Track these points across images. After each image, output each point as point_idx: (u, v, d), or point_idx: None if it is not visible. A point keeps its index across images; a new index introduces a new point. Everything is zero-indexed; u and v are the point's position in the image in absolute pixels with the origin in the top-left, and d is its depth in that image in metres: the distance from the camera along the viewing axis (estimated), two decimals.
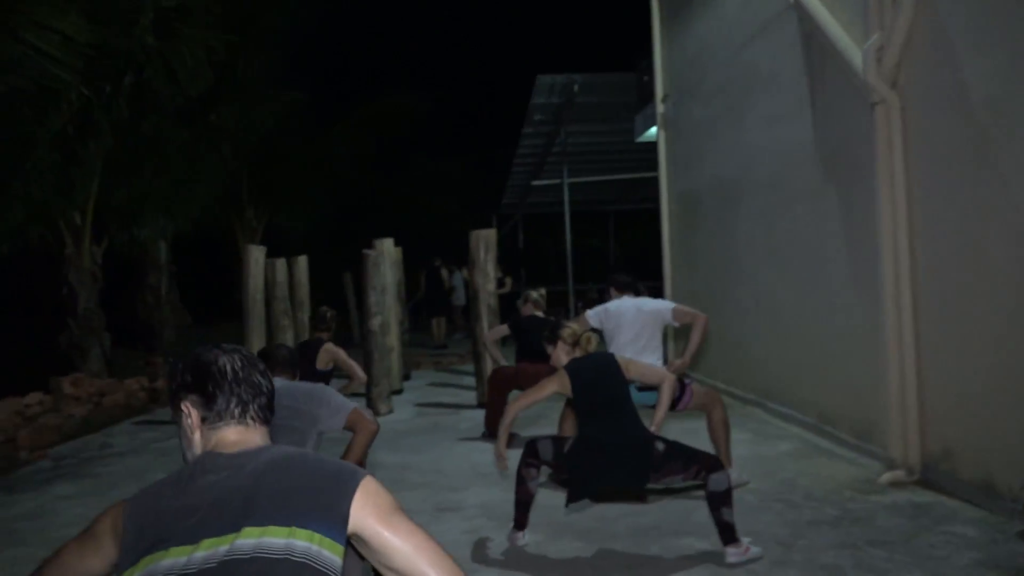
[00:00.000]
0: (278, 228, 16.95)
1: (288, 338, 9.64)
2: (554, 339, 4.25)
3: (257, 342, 8.99)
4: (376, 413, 8.19)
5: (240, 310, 9.38)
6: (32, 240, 10.07)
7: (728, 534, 3.75)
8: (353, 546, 1.55)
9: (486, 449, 6.12)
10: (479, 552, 4.09)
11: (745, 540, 3.79)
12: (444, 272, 14.96)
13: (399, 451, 6.53)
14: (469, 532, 4.41)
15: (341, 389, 5.68)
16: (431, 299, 15.08)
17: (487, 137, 20.88)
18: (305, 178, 16.36)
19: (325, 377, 5.91)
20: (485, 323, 8.09)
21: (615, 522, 4.42)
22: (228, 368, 1.68)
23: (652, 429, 4.01)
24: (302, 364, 5.55)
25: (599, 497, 4.62)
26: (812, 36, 5.84)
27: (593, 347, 4.23)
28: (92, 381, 8.67)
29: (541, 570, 3.80)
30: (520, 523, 4.14)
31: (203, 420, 1.65)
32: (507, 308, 11.03)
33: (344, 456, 3.21)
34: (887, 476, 4.82)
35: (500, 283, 12.92)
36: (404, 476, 5.69)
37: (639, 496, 4.58)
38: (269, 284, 9.68)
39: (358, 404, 3.39)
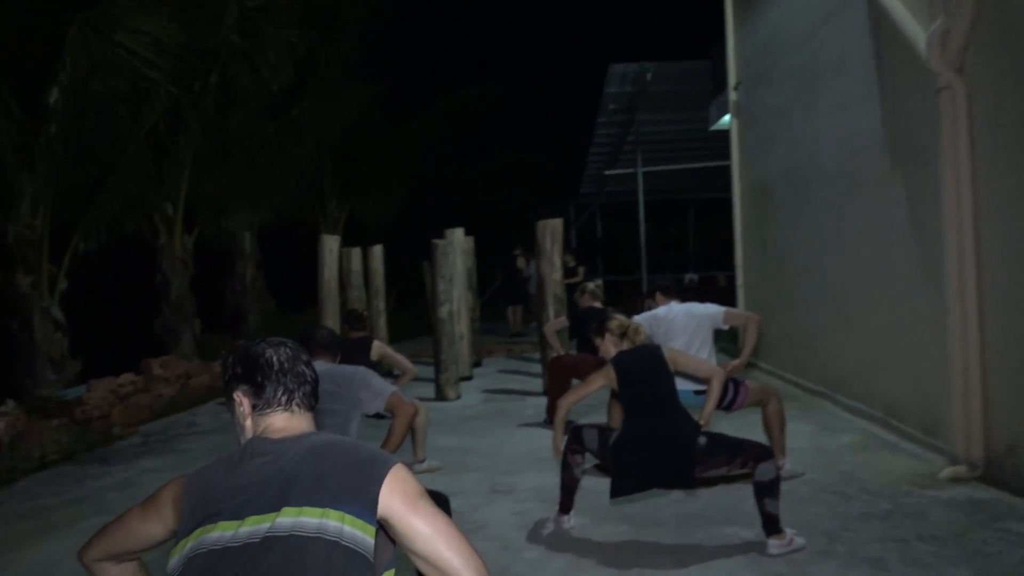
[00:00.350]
0: (360, 218, 17.42)
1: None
2: (601, 331, 4.31)
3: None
4: (444, 399, 8.42)
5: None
6: (128, 230, 10.67)
7: (771, 525, 3.76)
8: (384, 529, 1.66)
9: (545, 435, 6.23)
10: (525, 533, 4.22)
11: (789, 531, 3.80)
12: (522, 261, 15.09)
13: (462, 435, 6.71)
14: (519, 514, 4.54)
15: (395, 382, 5.90)
16: (508, 288, 15.26)
17: (564, 127, 20.91)
18: (385, 170, 16.74)
19: (374, 368, 6.12)
20: (551, 312, 8.19)
21: (661, 509, 4.47)
22: (275, 360, 1.82)
23: (702, 423, 4.03)
24: (356, 359, 5.78)
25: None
26: (879, 20, 5.69)
27: (642, 339, 4.26)
28: (180, 363, 9.17)
29: (584, 552, 3.90)
30: (565, 507, 4.25)
31: (253, 407, 1.80)
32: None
33: (386, 438, 3.37)
34: (948, 471, 4.72)
35: (572, 272, 13.00)
36: (464, 459, 5.86)
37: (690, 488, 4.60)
38: (345, 273, 10.01)
39: (397, 388, 3.53)
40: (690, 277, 19.04)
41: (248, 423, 1.81)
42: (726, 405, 5.08)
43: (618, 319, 4.33)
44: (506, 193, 19.62)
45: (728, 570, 3.57)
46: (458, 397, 8.52)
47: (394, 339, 12.27)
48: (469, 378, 9.67)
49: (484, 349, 11.95)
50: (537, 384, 8.92)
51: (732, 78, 9.80)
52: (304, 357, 1.89)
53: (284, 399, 1.80)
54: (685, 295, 5.84)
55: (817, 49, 7.08)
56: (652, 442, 3.86)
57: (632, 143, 14.61)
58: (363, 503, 1.60)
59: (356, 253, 10.14)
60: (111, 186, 9.71)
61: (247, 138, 11.96)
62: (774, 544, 3.74)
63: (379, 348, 6.05)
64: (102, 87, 8.86)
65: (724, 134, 10.65)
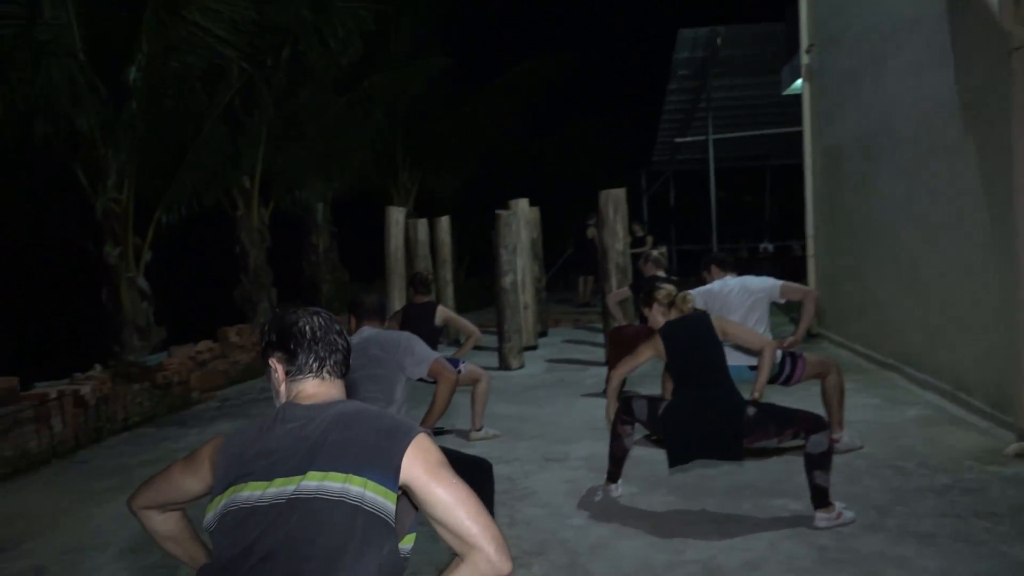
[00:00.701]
0: (431, 190, 17.62)
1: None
2: (649, 301, 4.30)
3: (399, 299, 9.53)
4: (507, 368, 8.53)
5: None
6: (207, 204, 11.08)
7: (820, 498, 3.73)
8: (407, 495, 1.74)
9: (603, 405, 6.25)
10: (573, 500, 4.29)
11: (838, 505, 3.76)
12: (593, 231, 15.03)
13: (522, 404, 6.81)
14: (569, 482, 4.62)
15: (462, 346, 6.01)
16: (580, 258, 15.25)
17: (634, 95, 20.58)
18: (455, 141, 16.86)
19: (440, 333, 6.20)
20: (613, 282, 8.18)
21: (712, 479, 4.48)
22: (307, 329, 1.91)
23: (754, 396, 4.00)
24: (421, 324, 5.90)
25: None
26: None
27: (690, 308, 4.24)
28: (254, 331, 9.54)
29: (629, 520, 3.95)
30: (613, 476, 4.30)
31: (287, 374, 1.90)
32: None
33: (430, 406, 3.46)
34: (1013, 447, 4.57)
35: (640, 241, 12.90)
36: (520, 427, 5.96)
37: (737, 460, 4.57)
38: (412, 243, 10.18)
39: (440, 355, 3.60)
40: (765, 247, 18.64)
41: (282, 388, 1.90)
42: (783, 380, 5.02)
43: (666, 288, 4.31)
44: (576, 163, 19.50)
45: (771, 541, 3.57)
46: (521, 366, 8.62)
47: (462, 309, 12.46)
48: (534, 348, 9.76)
49: (551, 319, 12.01)
50: (601, 354, 8.94)
51: (804, 41, 9.49)
52: (336, 327, 1.96)
53: (315, 366, 1.88)
54: (759, 264, 5.71)
55: (890, 10, 6.81)
56: (700, 412, 3.87)
57: (703, 109, 14.32)
58: (385, 471, 1.67)
59: (423, 224, 10.30)
60: (189, 162, 10.08)
61: (318, 112, 12.21)
62: (822, 517, 3.72)
63: (443, 312, 6.13)
64: (179, 66, 9.20)
65: (797, 99, 10.35)
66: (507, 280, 8.61)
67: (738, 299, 5.13)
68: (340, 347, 1.94)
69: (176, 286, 10.84)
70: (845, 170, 8.38)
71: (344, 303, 13.77)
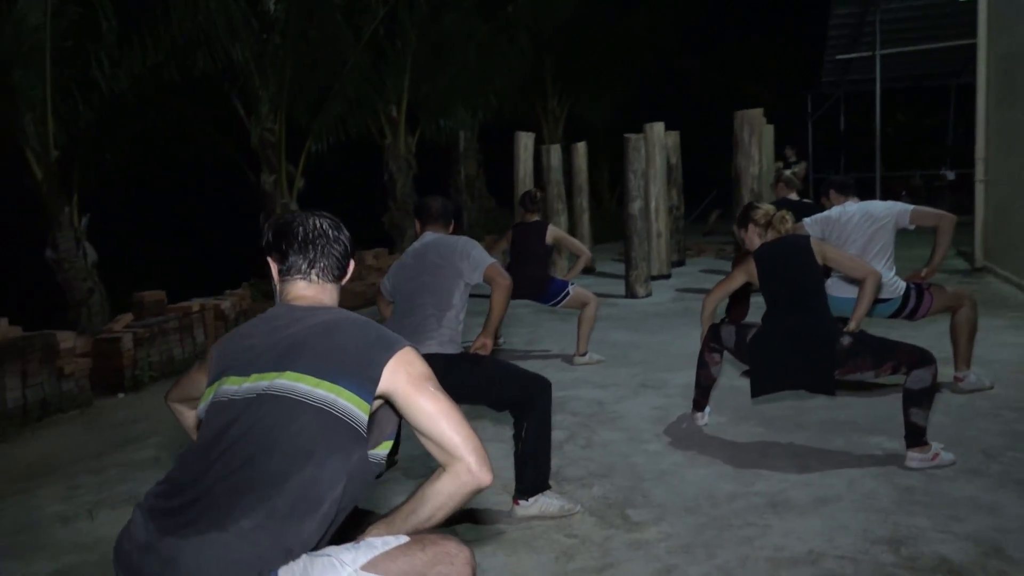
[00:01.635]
0: (581, 116, 17.38)
1: (562, 222, 10.10)
2: (745, 222, 4.07)
3: None
4: (633, 296, 8.41)
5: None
6: (353, 132, 11.50)
7: (914, 437, 3.46)
8: (390, 405, 1.79)
9: None
10: (656, 427, 4.21)
11: (936, 445, 3.47)
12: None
13: (637, 331, 6.72)
14: (659, 408, 4.53)
15: (572, 267, 5.97)
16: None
17: (799, 10, 19.05)
18: (606, 65, 16.46)
19: (550, 253, 6.11)
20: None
21: (809, 413, 4.26)
22: (300, 230, 1.94)
23: (849, 328, 3.73)
24: (531, 243, 5.89)
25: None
26: None
27: (788, 228, 3.98)
28: (390, 256, 9.93)
29: (707, 449, 3.83)
30: (699, 404, 4.18)
31: (279, 273, 1.97)
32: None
33: (489, 312, 3.43)
34: None
35: (793, 167, 12.17)
36: (626, 353, 5.90)
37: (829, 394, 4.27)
38: (545, 170, 10.14)
39: (496, 261, 3.52)
40: (945, 172, 17.05)
41: (278, 288, 1.97)
42: (908, 313, 4.64)
43: (763, 208, 4.05)
44: (735, 85, 18.52)
45: (852, 479, 3.36)
46: (648, 295, 8.47)
47: (598, 238, 12.35)
48: (666, 276, 9.55)
49: (696, 247, 11.67)
50: None
51: None
52: (333, 233, 1.97)
53: (305, 267, 1.92)
54: (938, 193, 5.15)
55: None
56: (788, 340, 3.65)
57: (871, 23, 13.10)
58: (361, 381, 1.71)
59: (555, 150, 10.21)
60: (336, 92, 10.49)
61: (462, 39, 12.26)
62: (914, 457, 3.45)
63: (554, 231, 6.03)
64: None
65: (975, 6, 9.24)
66: (635, 206, 8.41)
67: (859, 227, 4.69)
68: (334, 252, 1.95)
69: (328, 212, 11.39)
70: (1022, 83, 7.46)
71: (488, 229, 14.01)
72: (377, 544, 1.70)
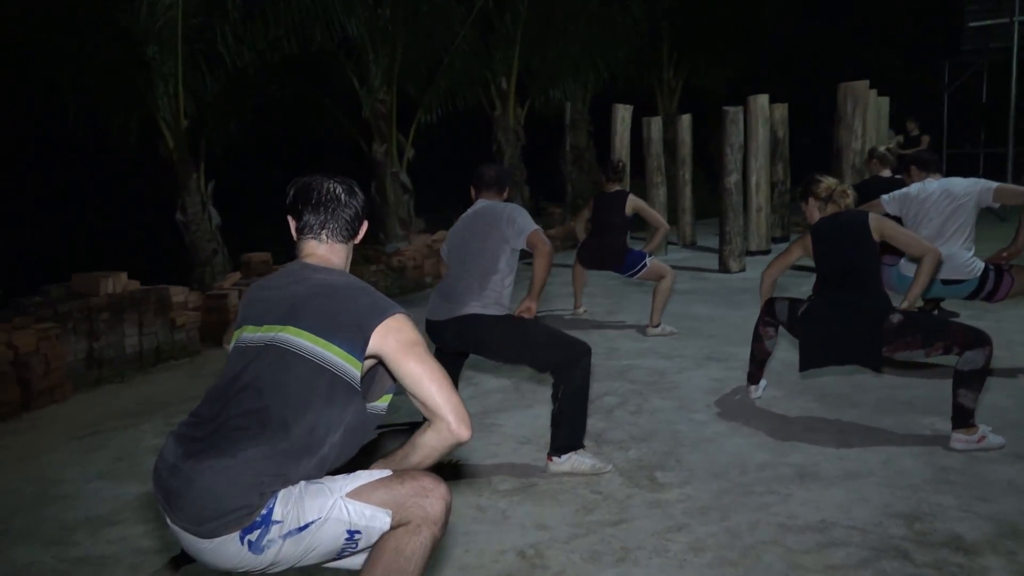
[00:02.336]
0: (699, 88, 17.04)
1: (659, 194, 10.07)
2: (806, 195, 4.04)
3: None
4: (726, 270, 8.35)
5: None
6: (463, 104, 11.81)
7: (961, 418, 3.42)
8: (383, 364, 2.03)
9: None
10: (709, 397, 4.30)
11: (983, 428, 3.42)
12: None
13: (720, 306, 6.71)
14: (717, 380, 4.60)
15: (650, 239, 6.04)
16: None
17: None
18: (725, 35, 16.05)
19: (630, 224, 6.16)
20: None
21: (867, 392, 4.22)
22: (315, 193, 2.17)
23: (903, 306, 3.68)
24: (611, 213, 5.98)
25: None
26: None
27: (848, 203, 3.92)
28: None
29: (753, 420, 3.89)
30: (754, 377, 4.22)
31: (297, 231, 2.20)
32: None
33: (532, 277, 3.58)
34: None
35: (915, 141, 11.60)
36: (702, 327, 5.93)
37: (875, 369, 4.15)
38: (646, 142, 10.11)
39: (539, 228, 3.65)
40: None
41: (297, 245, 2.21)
42: (985, 295, 4.50)
43: (825, 181, 4.00)
44: (866, 55, 17.62)
45: (890, 456, 3.36)
46: (741, 270, 8.38)
47: (702, 212, 12.18)
48: (765, 252, 9.38)
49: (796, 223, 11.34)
50: None
51: None
52: (346, 197, 2.17)
53: (316, 228, 2.14)
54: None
55: None
56: (839, 315, 3.65)
57: None
58: (354, 342, 1.94)
59: (656, 122, 10.14)
60: (446, 64, 10.80)
61: (573, 11, 12.30)
62: (959, 439, 3.41)
63: (633, 202, 6.04)
64: None
65: None
66: (731, 180, 8.31)
67: (937, 204, 4.56)
68: (344, 215, 2.15)
69: (435, 182, 11.76)
70: None
71: (587, 201, 14.06)
72: (363, 476, 1.96)
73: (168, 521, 1.92)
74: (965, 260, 4.47)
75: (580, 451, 3.38)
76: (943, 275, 4.42)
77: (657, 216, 6.11)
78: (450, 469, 3.38)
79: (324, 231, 2.15)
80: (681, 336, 5.69)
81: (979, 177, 4.77)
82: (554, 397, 3.37)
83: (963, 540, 2.61)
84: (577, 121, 14.18)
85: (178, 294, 5.69)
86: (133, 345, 5.36)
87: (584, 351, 3.38)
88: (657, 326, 5.78)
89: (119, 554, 2.84)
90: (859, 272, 3.71)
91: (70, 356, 4.96)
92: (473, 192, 3.82)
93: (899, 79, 18.02)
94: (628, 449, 3.59)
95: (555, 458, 3.36)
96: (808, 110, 12.74)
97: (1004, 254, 4.52)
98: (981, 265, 4.45)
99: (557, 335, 3.45)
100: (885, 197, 4.76)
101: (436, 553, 2.44)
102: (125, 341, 5.31)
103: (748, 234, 9.11)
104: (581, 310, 6.61)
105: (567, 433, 3.36)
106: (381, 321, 1.96)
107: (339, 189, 2.18)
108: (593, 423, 3.73)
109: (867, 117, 7.72)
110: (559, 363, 3.35)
